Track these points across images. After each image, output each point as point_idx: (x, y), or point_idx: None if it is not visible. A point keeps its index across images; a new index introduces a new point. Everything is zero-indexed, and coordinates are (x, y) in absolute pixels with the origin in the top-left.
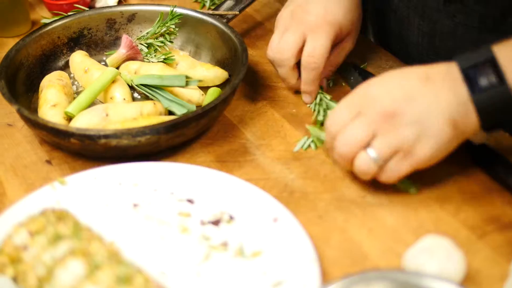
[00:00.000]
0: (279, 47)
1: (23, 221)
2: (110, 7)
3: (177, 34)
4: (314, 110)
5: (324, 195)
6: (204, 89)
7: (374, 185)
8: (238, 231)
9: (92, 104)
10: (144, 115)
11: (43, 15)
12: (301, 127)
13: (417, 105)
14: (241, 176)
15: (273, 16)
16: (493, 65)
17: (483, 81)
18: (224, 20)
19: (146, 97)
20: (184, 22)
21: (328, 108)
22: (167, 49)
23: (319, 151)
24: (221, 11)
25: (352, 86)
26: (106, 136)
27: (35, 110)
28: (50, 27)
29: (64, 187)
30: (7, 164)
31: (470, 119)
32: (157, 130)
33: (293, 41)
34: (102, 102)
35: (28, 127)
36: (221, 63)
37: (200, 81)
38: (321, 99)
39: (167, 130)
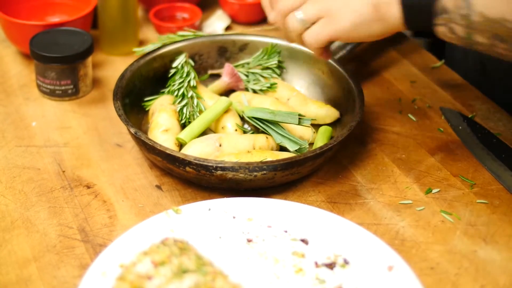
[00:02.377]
0: None
1: (146, 249)
2: (223, 35)
3: (285, 67)
4: None
5: (435, 246)
6: (314, 126)
7: (485, 240)
8: (353, 276)
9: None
10: (257, 148)
11: (150, 35)
12: (411, 173)
13: None
14: (352, 220)
15: (379, 56)
16: None
17: None
18: (336, 57)
19: (256, 129)
20: (296, 56)
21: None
22: (272, 80)
23: (429, 199)
24: (331, 49)
25: (460, 134)
26: (223, 169)
27: (145, 132)
28: (163, 50)
29: (178, 216)
30: (117, 185)
31: (393, 10)
32: (274, 167)
33: None
34: (212, 131)
35: (141, 150)
36: (331, 101)
37: (313, 120)
38: None
39: (284, 167)
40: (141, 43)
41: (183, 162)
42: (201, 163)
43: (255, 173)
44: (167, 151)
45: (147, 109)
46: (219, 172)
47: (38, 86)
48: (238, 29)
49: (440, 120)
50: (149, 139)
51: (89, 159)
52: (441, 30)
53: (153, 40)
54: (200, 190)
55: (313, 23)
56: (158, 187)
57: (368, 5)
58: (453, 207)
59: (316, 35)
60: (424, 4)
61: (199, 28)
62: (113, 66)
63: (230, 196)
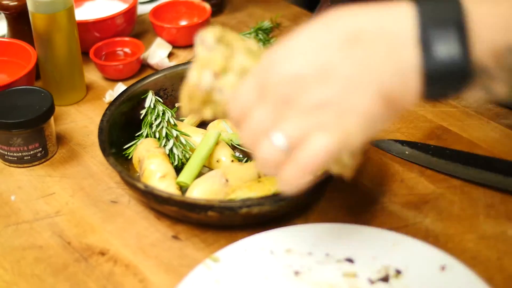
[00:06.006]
0: None
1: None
2: (186, 64)
3: None
4: None
5: (467, 235)
6: None
7: (509, 218)
8: (410, 284)
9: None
10: (262, 175)
11: (94, 77)
12: (414, 168)
13: (335, 80)
14: (380, 227)
15: None
16: (460, 27)
17: (442, 50)
18: None
19: (249, 155)
20: None
21: None
22: None
23: (441, 190)
24: None
25: (412, 160)
26: (249, 205)
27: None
28: (129, 92)
29: (218, 264)
30: (132, 245)
31: (410, 90)
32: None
33: None
34: (207, 167)
35: (149, 202)
36: None
37: None
38: None
39: (310, 189)
40: (89, 87)
41: (205, 208)
42: (225, 205)
43: (280, 202)
44: (188, 201)
45: (129, 157)
46: (244, 210)
47: (2, 155)
48: (181, 53)
49: (416, 107)
50: (163, 191)
51: (90, 223)
52: (472, 94)
53: (99, 83)
54: (219, 231)
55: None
56: (175, 237)
57: (376, 99)
58: (466, 192)
59: (315, 157)
60: (454, 67)
61: (144, 62)
62: (69, 117)
63: (251, 230)
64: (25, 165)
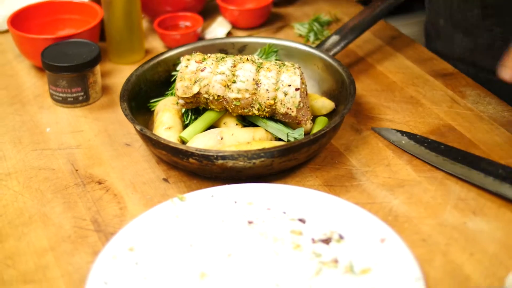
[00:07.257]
0: None
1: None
2: (222, 38)
3: None
4: None
5: (427, 220)
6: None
7: (475, 213)
8: (348, 249)
9: None
10: (256, 139)
11: (156, 44)
12: (404, 156)
13: None
14: (348, 200)
15: (373, 51)
16: None
17: None
18: (331, 54)
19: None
20: (292, 54)
21: None
22: None
23: (421, 179)
24: (326, 46)
25: (407, 149)
26: (223, 157)
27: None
28: (166, 55)
29: (183, 203)
30: (126, 180)
31: None
32: (271, 154)
33: None
34: (214, 126)
35: (148, 146)
36: (327, 94)
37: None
38: None
39: (281, 153)
40: (147, 52)
41: (186, 154)
42: (202, 153)
43: (253, 160)
44: (171, 145)
45: (152, 109)
46: (220, 161)
47: (51, 95)
48: (240, 34)
49: (432, 106)
50: (154, 135)
51: (100, 158)
52: None
53: (159, 50)
54: (204, 180)
55: None
56: (165, 180)
57: None
58: (444, 184)
59: None
60: None
61: (201, 35)
62: (121, 74)
63: (232, 184)
64: (68, 106)
